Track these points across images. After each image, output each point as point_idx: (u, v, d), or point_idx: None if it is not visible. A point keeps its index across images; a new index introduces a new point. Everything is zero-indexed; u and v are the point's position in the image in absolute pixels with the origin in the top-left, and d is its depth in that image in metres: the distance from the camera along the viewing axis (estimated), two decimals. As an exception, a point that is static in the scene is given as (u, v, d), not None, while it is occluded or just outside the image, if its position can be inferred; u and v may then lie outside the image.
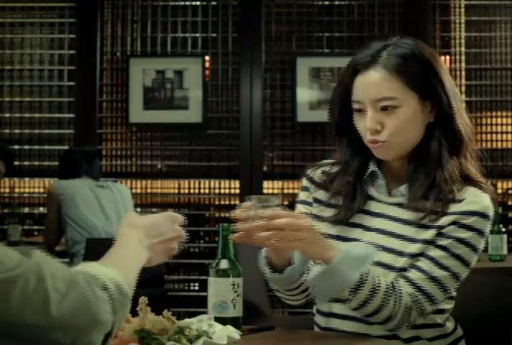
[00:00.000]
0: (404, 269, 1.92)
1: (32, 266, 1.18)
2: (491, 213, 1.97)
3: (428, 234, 1.93)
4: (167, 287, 5.39)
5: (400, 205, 1.99)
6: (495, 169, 5.52)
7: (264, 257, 1.95)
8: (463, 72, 5.68)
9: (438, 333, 2.03)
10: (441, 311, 2.03)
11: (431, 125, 1.99)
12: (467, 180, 1.99)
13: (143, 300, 1.64)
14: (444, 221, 1.93)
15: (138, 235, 1.53)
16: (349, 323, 2.00)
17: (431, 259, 1.92)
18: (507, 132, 5.63)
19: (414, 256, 1.93)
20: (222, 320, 1.79)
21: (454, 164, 1.97)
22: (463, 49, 5.70)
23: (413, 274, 1.92)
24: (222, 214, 5.73)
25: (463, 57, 5.69)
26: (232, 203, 5.68)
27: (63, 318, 1.20)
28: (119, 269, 1.37)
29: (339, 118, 2.05)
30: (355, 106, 1.99)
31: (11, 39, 5.84)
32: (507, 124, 5.65)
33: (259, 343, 1.82)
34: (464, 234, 1.93)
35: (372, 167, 2.04)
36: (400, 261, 1.93)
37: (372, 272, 1.87)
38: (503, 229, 4.12)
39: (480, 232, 1.94)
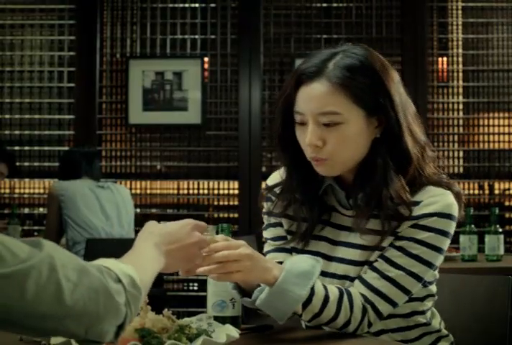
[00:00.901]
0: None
1: (44, 257, 1.19)
2: (452, 210, 1.88)
3: (387, 242, 1.88)
4: (166, 287, 5.39)
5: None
6: (492, 170, 5.54)
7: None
8: (460, 74, 5.67)
9: (421, 331, 2.01)
10: (420, 312, 1.99)
11: (378, 140, 1.89)
12: (423, 185, 1.91)
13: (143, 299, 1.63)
14: (402, 226, 1.87)
15: (154, 240, 1.53)
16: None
17: (386, 258, 1.87)
18: (504, 133, 5.62)
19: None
20: (221, 319, 1.79)
21: (402, 183, 1.88)
22: (460, 50, 5.70)
23: (367, 274, 1.88)
24: (221, 215, 5.72)
25: (460, 59, 5.68)
26: (231, 203, 5.69)
27: (77, 307, 1.21)
28: (134, 267, 1.38)
29: (282, 128, 1.94)
30: (297, 117, 1.88)
31: (11, 40, 5.84)
32: (504, 125, 5.64)
33: (258, 341, 1.82)
34: (422, 235, 1.86)
35: (329, 180, 1.96)
36: (362, 270, 1.90)
37: (318, 282, 1.82)
38: (500, 230, 4.11)
39: (440, 231, 1.87)
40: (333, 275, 1.92)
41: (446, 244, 1.89)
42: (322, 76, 1.83)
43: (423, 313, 1.99)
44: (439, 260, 1.90)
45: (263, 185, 5.77)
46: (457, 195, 1.91)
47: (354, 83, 1.82)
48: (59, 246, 1.25)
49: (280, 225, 2.02)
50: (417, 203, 1.87)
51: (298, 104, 1.86)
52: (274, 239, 2.04)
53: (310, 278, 1.79)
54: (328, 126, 1.83)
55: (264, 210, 2.07)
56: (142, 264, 1.44)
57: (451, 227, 1.88)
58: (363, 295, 1.86)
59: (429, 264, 1.87)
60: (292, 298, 1.78)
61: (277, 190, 2.02)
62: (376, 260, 1.89)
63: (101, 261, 1.34)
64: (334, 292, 1.84)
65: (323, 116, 1.82)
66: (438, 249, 1.87)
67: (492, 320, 2.27)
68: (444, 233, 1.87)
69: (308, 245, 1.97)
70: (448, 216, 1.87)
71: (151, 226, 1.59)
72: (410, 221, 1.86)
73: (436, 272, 2.00)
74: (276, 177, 2.05)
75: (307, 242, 1.97)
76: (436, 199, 1.87)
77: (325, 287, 1.83)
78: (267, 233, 2.06)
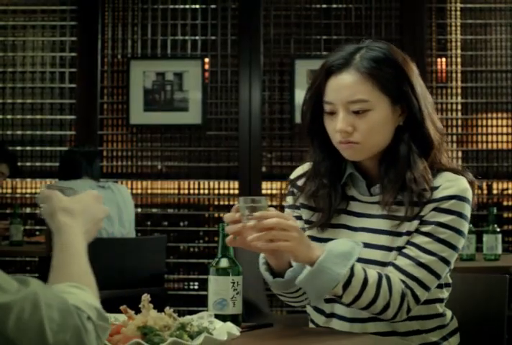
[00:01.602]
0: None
1: (29, 294, 1.17)
2: (468, 194, 1.98)
3: (413, 226, 1.96)
4: (166, 286, 5.38)
5: (379, 202, 2.00)
6: (490, 170, 5.54)
7: (264, 263, 1.98)
8: (459, 75, 5.67)
9: (437, 323, 2.05)
10: (440, 300, 2.05)
11: (401, 128, 2.00)
12: (440, 171, 2.01)
13: (145, 297, 1.65)
14: (424, 210, 1.96)
15: (79, 225, 1.47)
16: (349, 324, 2.01)
17: (416, 245, 1.94)
18: (502, 133, 5.63)
19: (402, 248, 1.96)
20: (222, 318, 1.80)
21: (424, 165, 1.98)
22: (459, 51, 5.69)
23: (400, 261, 1.94)
24: (221, 214, 5.65)
25: (459, 60, 5.68)
26: (231, 203, 5.66)
27: None
28: (87, 283, 1.35)
29: (311, 119, 2.04)
30: (327, 107, 1.98)
31: (14, 41, 5.84)
32: (502, 126, 5.65)
33: (258, 339, 1.83)
34: (445, 218, 1.94)
35: (350, 169, 2.05)
36: (391, 257, 1.96)
37: (358, 265, 1.88)
38: (498, 229, 4.13)
39: (460, 214, 1.95)
40: (357, 260, 1.97)
41: (466, 227, 1.98)
42: (350, 67, 1.95)
43: (442, 301, 2.05)
44: (462, 244, 1.98)
45: (263, 185, 5.78)
46: (471, 183, 2.01)
47: (380, 73, 1.95)
48: (45, 285, 1.23)
49: (300, 218, 2.10)
50: (436, 188, 1.97)
51: (327, 94, 1.97)
52: None
53: (349, 259, 1.86)
54: (357, 113, 1.95)
55: (286, 204, 2.15)
56: (83, 268, 1.41)
57: (469, 211, 1.98)
58: (402, 281, 1.92)
59: (455, 248, 1.96)
60: (331, 277, 1.84)
61: (299, 182, 2.10)
62: (405, 247, 1.95)
63: (65, 293, 1.28)
64: (373, 275, 1.90)
65: (353, 104, 1.95)
66: (461, 233, 1.96)
67: (489, 319, 2.28)
68: (463, 217, 1.96)
69: (324, 233, 2.04)
70: (465, 200, 1.97)
71: (62, 200, 1.50)
72: (431, 204, 1.95)
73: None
74: (299, 171, 2.14)
75: (324, 230, 2.05)
76: (453, 183, 1.97)
77: (364, 270, 1.89)
78: None
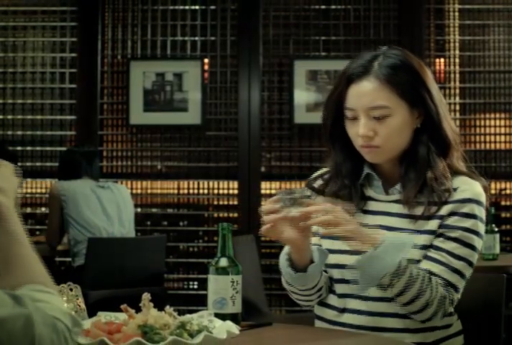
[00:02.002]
0: (417, 261, 2.00)
1: (25, 311, 1.16)
2: (483, 199, 2.06)
3: (432, 225, 2.02)
4: (166, 285, 5.37)
5: (398, 201, 2.07)
6: (488, 170, 5.55)
7: (287, 260, 2.03)
8: (457, 75, 5.69)
9: (446, 322, 2.09)
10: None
11: (419, 130, 2.08)
12: (457, 174, 2.07)
13: (146, 296, 1.65)
14: (443, 210, 2.02)
15: (11, 204, 1.34)
16: (363, 317, 2.05)
17: (447, 251, 2.01)
18: (500, 134, 5.64)
19: (424, 247, 2.01)
20: (222, 316, 1.80)
21: (443, 164, 2.05)
22: (457, 52, 5.70)
23: (435, 268, 2.00)
24: (221, 214, 5.73)
25: (457, 60, 5.69)
26: (231, 203, 5.70)
27: None
28: (42, 273, 1.30)
29: (332, 124, 2.12)
30: (348, 113, 2.06)
31: (14, 42, 5.84)
32: (500, 126, 5.65)
33: (258, 338, 1.84)
34: (468, 222, 2.02)
35: (367, 169, 2.12)
36: (411, 254, 2.00)
37: (407, 261, 1.96)
38: (496, 229, 4.14)
39: (480, 218, 2.04)
40: None
41: (483, 230, 2.06)
42: (370, 75, 2.05)
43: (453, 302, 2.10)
44: (481, 245, 2.06)
45: (262, 185, 5.78)
46: (484, 189, 2.08)
47: (397, 79, 2.04)
48: (36, 304, 1.20)
49: None
50: (454, 189, 2.04)
51: (348, 101, 2.07)
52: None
53: (401, 250, 1.94)
54: (377, 119, 2.03)
55: None
56: (36, 261, 1.32)
57: (484, 215, 2.06)
58: (442, 286, 1.98)
59: (477, 250, 2.04)
60: (386, 264, 1.92)
61: (316, 184, 2.19)
62: (434, 252, 2.01)
63: (40, 301, 1.24)
64: (422, 272, 1.97)
65: (373, 110, 2.03)
66: (481, 235, 2.05)
67: (486, 318, 2.29)
68: (482, 220, 2.05)
69: None
70: (481, 204, 2.05)
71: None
72: (450, 205, 2.03)
73: None
74: (318, 174, 2.22)
75: None
76: (469, 187, 2.05)
77: (414, 266, 1.96)
78: None
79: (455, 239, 2.02)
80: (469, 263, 2.02)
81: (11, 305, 1.14)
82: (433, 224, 2.03)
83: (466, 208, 2.02)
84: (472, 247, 2.02)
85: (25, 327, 1.14)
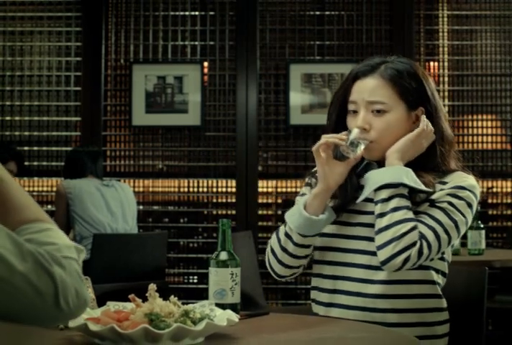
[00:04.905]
0: None
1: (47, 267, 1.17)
2: (477, 191, 2.13)
3: (424, 208, 2.11)
4: (167, 279, 5.39)
5: None
6: (476, 169, 5.43)
7: (303, 207, 2.12)
8: (446, 78, 5.71)
9: (434, 305, 2.15)
10: (436, 271, 2.16)
11: None
12: (452, 171, 2.15)
13: (152, 286, 1.70)
14: (436, 195, 2.10)
15: None
16: (352, 312, 2.12)
17: (428, 214, 2.08)
18: (487, 134, 5.68)
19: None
20: (222, 306, 1.85)
21: (429, 173, 2.13)
22: (446, 56, 5.72)
23: (427, 220, 2.08)
24: (219, 211, 5.74)
25: (446, 64, 5.71)
26: (229, 200, 5.72)
27: (68, 307, 1.19)
28: (43, 216, 1.31)
29: (336, 118, 2.22)
30: (350, 106, 2.18)
31: (21, 46, 5.86)
32: (487, 127, 5.69)
33: (256, 326, 1.89)
34: (457, 201, 2.08)
35: (367, 159, 2.21)
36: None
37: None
38: (482, 225, 4.20)
39: (469, 204, 2.09)
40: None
41: (470, 216, 2.11)
42: (375, 73, 2.16)
43: (434, 283, 2.16)
44: (464, 229, 2.11)
45: (259, 184, 5.84)
46: (477, 182, 2.18)
47: (401, 81, 2.15)
48: (45, 247, 1.21)
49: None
50: (446, 183, 2.12)
51: (352, 95, 2.18)
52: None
53: (406, 175, 2.08)
54: (375, 114, 2.14)
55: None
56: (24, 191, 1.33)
57: (475, 203, 2.13)
58: (421, 234, 2.05)
59: (459, 230, 2.10)
60: (389, 174, 2.09)
61: (315, 177, 2.24)
62: (417, 216, 2.09)
63: (50, 244, 1.25)
64: (409, 210, 2.07)
65: (373, 104, 2.14)
66: (466, 218, 2.10)
67: (469, 309, 2.36)
68: (471, 206, 2.11)
69: (338, 218, 2.20)
70: (474, 194, 2.12)
71: None
72: (446, 190, 2.10)
73: (451, 252, 2.23)
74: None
75: (339, 215, 2.19)
76: (464, 179, 2.13)
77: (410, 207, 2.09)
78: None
79: (439, 207, 2.08)
80: (446, 231, 2.06)
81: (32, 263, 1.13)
82: (425, 206, 2.11)
83: (459, 192, 2.09)
84: (454, 221, 2.07)
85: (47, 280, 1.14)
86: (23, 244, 1.16)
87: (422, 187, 2.08)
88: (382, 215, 2.07)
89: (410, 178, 2.08)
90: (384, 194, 2.08)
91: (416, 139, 2.12)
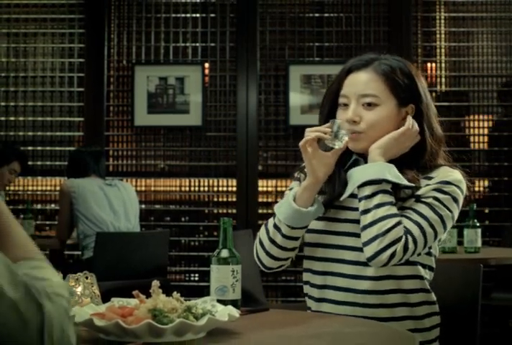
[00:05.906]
0: None
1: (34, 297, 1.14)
2: (463, 186, 2.12)
3: (410, 203, 2.11)
4: (169, 277, 5.43)
5: None
6: (473, 168, 5.55)
7: (292, 198, 2.12)
8: (443, 79, 5.74)
9: (423, 298, 2.15)
10: (423, 266, 2.16)
11: None
12: (438, 166, 2.15)
13: (155, 283, 1.70)
14: (421, 191, 2.10)
15: None
16: (342, 307, 2.12)
17: (413, 209, 2.08)
18: (483, 134, 5.71)
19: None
20: (223, 302, 1.84)
21: (414, 170, 2.13)
22: (443, 57, 5.75)
23: (413, 216, 2.08)
24: (220, 210, 5.76)
25: (444, 65, 5.74)
26: (229, 199, 5.75)
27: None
28: (38, 254, 1.28)
29: (328, 112, 2.20)
30: (341, 100, 2.16)
31: (25, 48, 5.90)
32: (483, 127, 5.72)
33: (256, 321, 1.90)
34: (443, 197, 2.08)
35: (355, 156, 2.21)
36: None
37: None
38: (478, 224, 4.19)
39: (455, 198, 2.09)
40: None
41: (456, 211, 2.12)
42: (368, 67, 2.17)
43: (422, 278, 2.16)
44: (451, 223, 2.11)
45: (259, 183, 5.86)
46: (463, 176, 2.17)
47: (393, 77, 2.15)
48: (40, 282, 1.19)
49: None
50: (432, 178, 2.12)
51: (344, 88, 2.17)
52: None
53: (388, 171, 2.09)
54: (366, 107, 2.13)
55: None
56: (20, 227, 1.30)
57: (461, 198, 2.12)
58: (405, 229, 2.06)
59: (445, 225, 2.09)
60: (378, 173, 2.08)
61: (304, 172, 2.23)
62: (402, 211, 2.09)
63: (43, 280, 1.22)
64: (394, 207, 2.08)
65: (364, 98, 2.14)
66: (452, 213, 2.10)
67: (464, 305, 2.38)
68: (457, 201, 2.11)
69: (326, 213, 2.20)
70: (460, 188, 2.12)
71: None
72: (431, 186, 2.09)
73: (438, 246, 2.24)
74: None
75: (327, 211, 2.19)
76: (451, 173, 2.13)
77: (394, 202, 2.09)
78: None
79: (424, 202, 2.08)
80: (432, 225, 2.05)
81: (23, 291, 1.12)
82: (411, 202, 2.10)
83: (444, 187, 2.08)
84: (439, 215, 2.06)
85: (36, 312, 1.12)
86: (18, 274, 1.14)
87: (405, 182, 2.08)
88: (366, 211, 2.08)
89: (392, 174, 2.08)
90: (367, 190, 2.08)
91: (399, 137, 2.12)
